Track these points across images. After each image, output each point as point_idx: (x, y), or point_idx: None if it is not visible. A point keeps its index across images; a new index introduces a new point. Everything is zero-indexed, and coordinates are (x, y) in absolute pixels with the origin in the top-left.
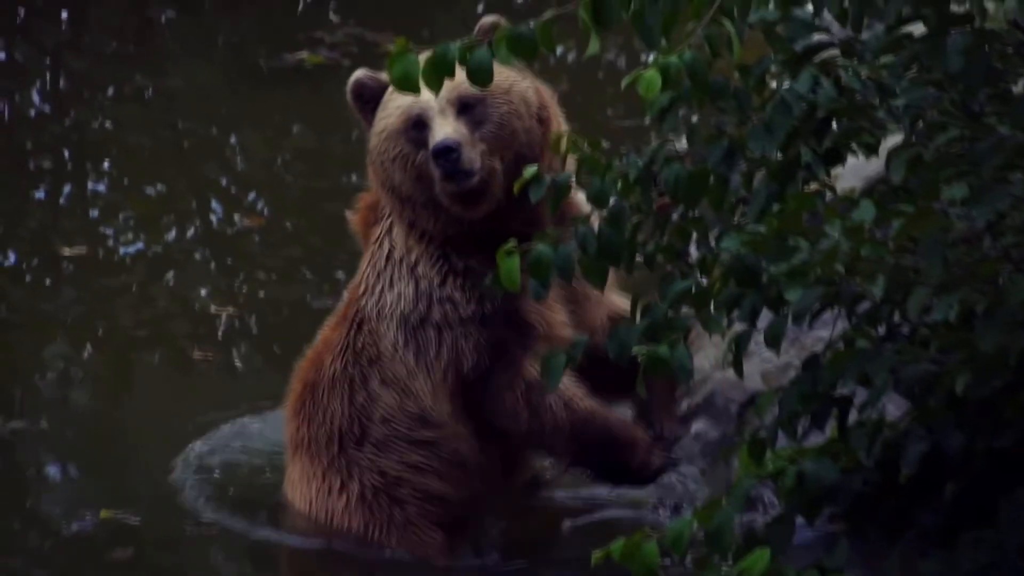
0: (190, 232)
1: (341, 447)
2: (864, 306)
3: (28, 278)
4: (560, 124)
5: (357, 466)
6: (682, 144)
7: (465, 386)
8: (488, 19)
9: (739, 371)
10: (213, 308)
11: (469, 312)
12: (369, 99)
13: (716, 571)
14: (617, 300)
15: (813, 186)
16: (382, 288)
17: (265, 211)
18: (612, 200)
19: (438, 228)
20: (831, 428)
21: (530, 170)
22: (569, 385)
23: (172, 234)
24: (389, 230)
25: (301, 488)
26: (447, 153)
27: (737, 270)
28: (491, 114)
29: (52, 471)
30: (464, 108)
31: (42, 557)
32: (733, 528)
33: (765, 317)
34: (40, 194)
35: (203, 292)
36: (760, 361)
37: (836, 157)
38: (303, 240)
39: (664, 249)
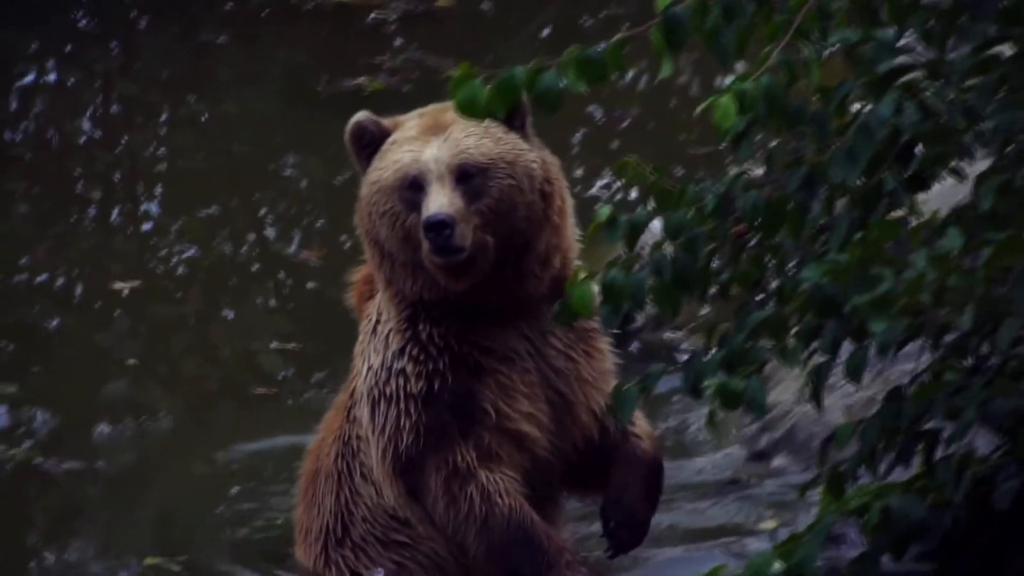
0: (248, 263)
1: (325, 545)
2: (951, 337)
3: (81, 310)
4: (565, 198)
5: (336, 568)
6: (760, 171)
7: (401, 468)
8: None
9: (818, 405)
10: (274, 343)
11: (416, 389)
12: (368, 144)
13: None
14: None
15: (897, 213)
16: (361, 365)
17: (324, 241)
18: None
19: (414, 290)
20: (916, 463)
21: (604, 211)
22: (496, 479)
23: (229, 265)
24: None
25: (297, 573)
26: (440, 228)
27: (817, 300)
28: (491, 187)
29: (102, 513)
30: (463, 177)
31: None
32: (815, 565)
33: (847, 349)
34: (91, 222)
35: (263, 326)
36: (843, 395)
37: (921, 183)
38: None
39: (740, 278)
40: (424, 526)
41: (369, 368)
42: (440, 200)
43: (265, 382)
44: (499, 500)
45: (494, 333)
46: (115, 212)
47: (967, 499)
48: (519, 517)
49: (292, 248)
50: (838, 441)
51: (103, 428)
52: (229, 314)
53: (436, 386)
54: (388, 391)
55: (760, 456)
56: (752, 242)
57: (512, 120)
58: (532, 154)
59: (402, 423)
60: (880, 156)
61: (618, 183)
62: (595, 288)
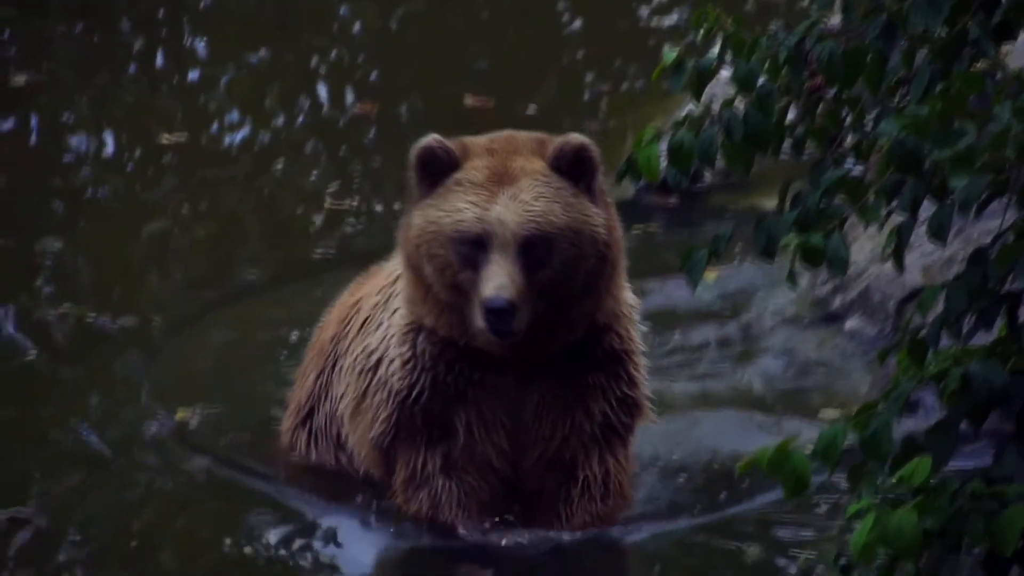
0: (299, 114)
1: (294, 420)
2: None
3: (128, 166)
4: (617, 264)
5: (295, 446)
6: (837, 20)
7: (375, 443)
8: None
9: (899, 265)
10: (328, 202)
11: (397, 388)
12: (435, 172)
13: (872, 481)
14: (595, 466)
15: (981, 64)
16: (380, 300)
17: (378, 93)
18: (760, 81)
19: (435, 324)
20: (999, 327)
21: (670, 55)
22: (452, 487)
23: (279, 116)
24: None
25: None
26: (500, 314)
27: (897, 155)
28: (554, 259)
29: (150, 368)
30: (527, 248)
31: (113, 462)
32: (891, 435)
33: (926, 207)
34: (136, 71)
35: (316, 183)
36: (921, 255)
37: (1007, 32)
38: (418, 125)
39: (815, 133)
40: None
41: (380, 325)
42: (502, 279)
43: (321, 241)
44: (446, 510)
45: (488, 368)
46: (160, 59)
47: None
48: (462, 529)
49: (346, 101)
50: (921, 306)
51: (153, 285)
52: (281, 171)
53: (414, 395)
54: (379, 371)
55: (832, 318)
56: (828, 95)
57: (580, 178)
58: (599, 218)
59: (379, 411)
60: (964, 3)
61: (687, 25)
62: (662, 149)
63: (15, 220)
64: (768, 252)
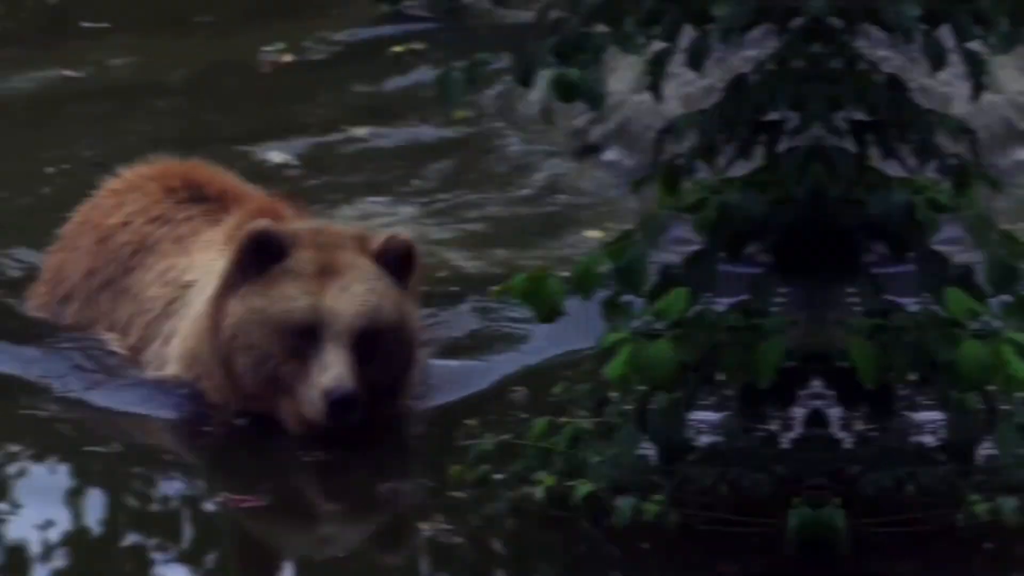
0: None
1: (52, 286)
2: (799, 21)
3: None
4: (413, 365)
5: (49, 311)
6: None
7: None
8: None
9: (657, 95)
10: None
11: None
12: (266, 258)
13: (626, 313)
14: None
15: None
16: (169, 293)
17: None
18: None
19: (229, 400)
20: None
21: None
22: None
23: None
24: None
25: None
26: (345, 404)
27: None
28: (380, 353)
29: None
30: (360, 341)
31: None
32: (646, 265)
33: (687, 34)
34: None
35: None
36: (682, 84)
37: None
38: None
39: None
40: None
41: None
42: (341, 369)
43: None
44: None
45: None
46: None
47: (809, 194)
48: None
49: None
50: (676, 133)
51: None
52: None
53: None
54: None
55: (590, 149)
56: None
57: (403, 275)
58: (415, 314)
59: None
60: None
61: None
62: None
63: None
64: (525, 81)
